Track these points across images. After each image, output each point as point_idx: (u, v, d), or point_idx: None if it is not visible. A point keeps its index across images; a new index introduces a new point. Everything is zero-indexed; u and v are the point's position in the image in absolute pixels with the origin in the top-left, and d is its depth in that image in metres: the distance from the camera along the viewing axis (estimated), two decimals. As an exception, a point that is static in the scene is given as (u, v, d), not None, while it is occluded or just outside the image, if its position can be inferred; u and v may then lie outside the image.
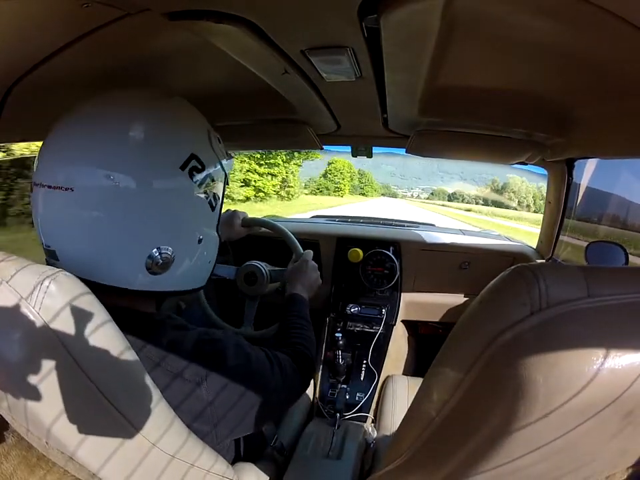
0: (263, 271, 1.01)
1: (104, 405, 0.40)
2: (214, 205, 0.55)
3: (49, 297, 0.36)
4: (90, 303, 0.39)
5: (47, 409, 0.37)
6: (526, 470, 0.30)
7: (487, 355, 0.26)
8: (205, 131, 0.54)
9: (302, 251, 0.99)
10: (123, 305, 0.47)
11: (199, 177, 0.50)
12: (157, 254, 0.47)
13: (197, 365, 0.48)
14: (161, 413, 0.45)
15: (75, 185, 0.44)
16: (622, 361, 0.23)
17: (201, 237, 0.53)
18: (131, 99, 0.50)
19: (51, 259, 0.47)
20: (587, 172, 1.12)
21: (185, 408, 0.48)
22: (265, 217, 1.29)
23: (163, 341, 0.48)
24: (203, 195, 0.52)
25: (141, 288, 0.49)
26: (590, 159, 1.03)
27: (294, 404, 1.02)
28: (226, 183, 0.59)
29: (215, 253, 0.60)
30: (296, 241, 1.01)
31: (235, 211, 1.02)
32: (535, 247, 1.28)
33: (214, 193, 0.54)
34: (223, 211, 1.02)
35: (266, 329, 0.99)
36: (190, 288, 0.56)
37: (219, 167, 0.55)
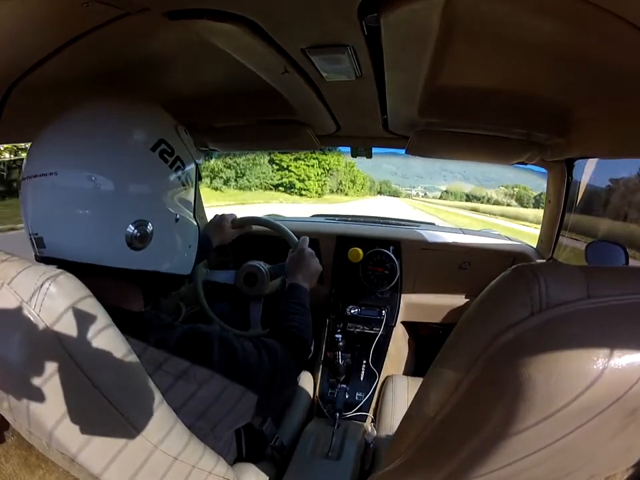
0: (262, 269, 1.00)
1: (106, 407, 0.40)
2: (187, 189, 0.59)
3: (49, 299, 0.36)
4: (91, 305, 0.39)
5: (48, 412, 0.37)
6: (526, 472, 0.30)
7: (487, 355, 0.26)
8: (172, 125, 0.58)
9: (297, 240, 0.97)
10: (110, 304, 0.46)
11: (170, 159, 0.55)
12: (135, 227, 0.51)
13: (185, 360, 0.49)
14: (162, 415, 0.45)
15: (57, 169, 0.47)
16: (622, 361, 0.23)
17: (178, 216, 0.57)
18: (107, 107, 0.54)
19: (39, 247, 0.50)
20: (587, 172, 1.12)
21: (184, 409, 0.48)
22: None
23: (151, 340, 0.48)
24: (175, 177, 0.56)
25: (123, 265, 0.51)
26: (590, 159, 1.03)
27: (293, 395, 1.03)
28: (198, 177, 0.63)
29: (195, 240, 0.63)
30: (289, 231, 1.00)
31: (223, 214, 1.02)
32: (535, 246, 1.28)
33: (187, 178, 0.58)
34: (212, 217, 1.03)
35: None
36: (171, 272, 0.58)
37: (188, 154, 0.59)
